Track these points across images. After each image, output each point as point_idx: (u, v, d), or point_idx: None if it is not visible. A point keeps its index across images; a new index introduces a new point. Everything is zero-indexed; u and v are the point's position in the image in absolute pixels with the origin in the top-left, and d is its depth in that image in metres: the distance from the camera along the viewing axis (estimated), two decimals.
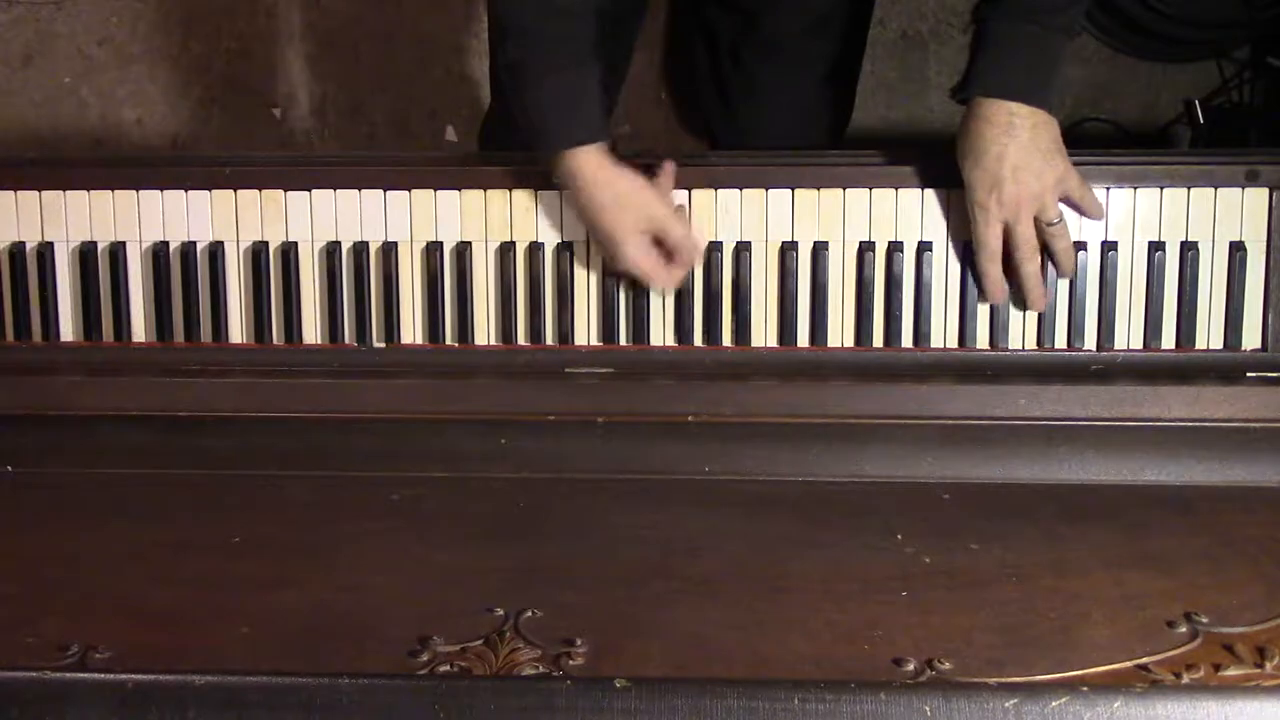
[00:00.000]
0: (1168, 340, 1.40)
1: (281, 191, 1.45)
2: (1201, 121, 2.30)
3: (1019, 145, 1.32)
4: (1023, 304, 1.39)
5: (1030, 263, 1.36)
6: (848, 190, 1.42)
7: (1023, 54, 1.32)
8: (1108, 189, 1.40)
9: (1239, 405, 1.32)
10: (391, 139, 2.58)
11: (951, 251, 1.41)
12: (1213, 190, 1.39)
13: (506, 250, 1.44)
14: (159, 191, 1.46)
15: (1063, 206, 1.36)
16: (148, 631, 1.03)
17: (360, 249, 1.45)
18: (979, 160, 1.33)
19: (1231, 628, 1.01)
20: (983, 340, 1.41)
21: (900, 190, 1.41)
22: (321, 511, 1.27)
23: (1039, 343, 1.41)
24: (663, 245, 1.38)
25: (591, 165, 1.35)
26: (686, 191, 1.42)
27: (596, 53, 1.37)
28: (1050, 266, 1.38)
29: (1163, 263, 1.39)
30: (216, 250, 1.45)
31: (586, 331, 1.44)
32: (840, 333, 1.42)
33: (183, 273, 1.45)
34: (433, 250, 1.44)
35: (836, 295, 1.42)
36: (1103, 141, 2.47)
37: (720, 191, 1.42)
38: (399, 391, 1.38)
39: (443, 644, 0.99)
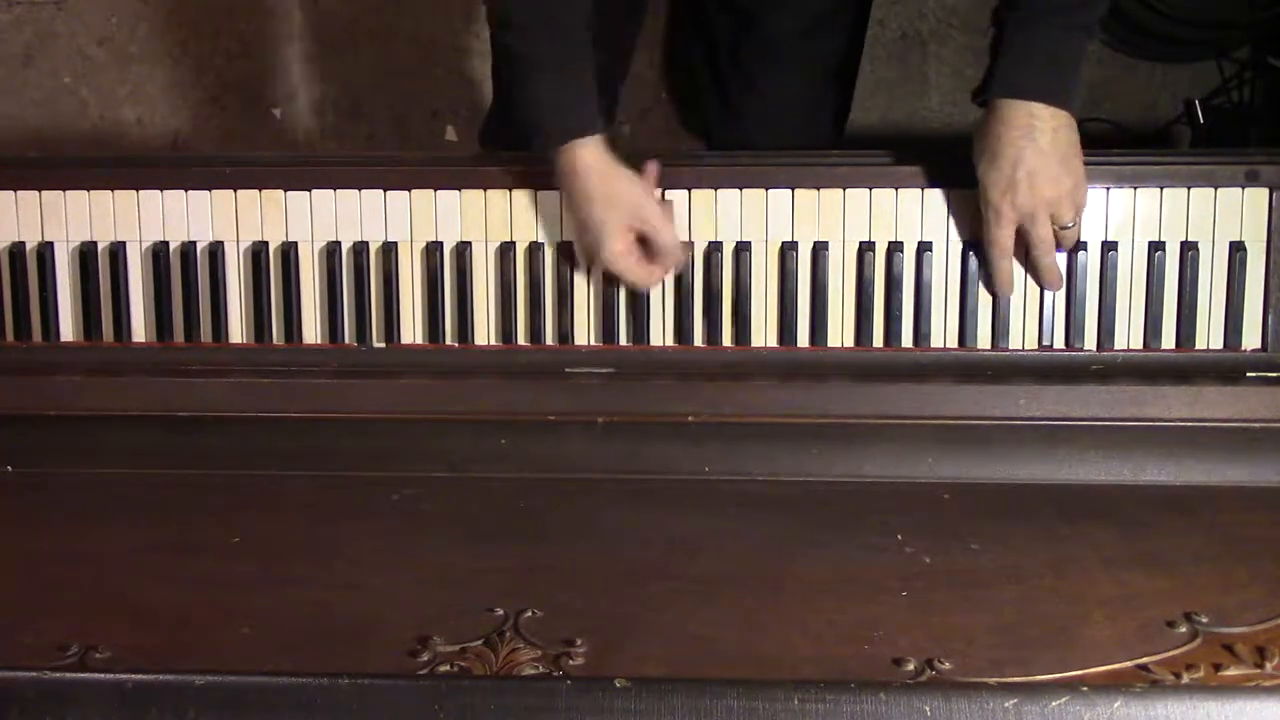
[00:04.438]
0: (1168, 340, 1.40)
1: (281, 191, 1.45)
2: (1201, 121, 2.30)
3: (1037, 150, 1.30)
4: (1040, 285, 1.39)
5: (1046, 257, 1.36)
6: (848, 190, 1.42)
7: (1043, 54, 1.31)
8: (1108, 189, 1.40)
9: (1239, 405, 1.32)
10: (391, 139, 2.57)
11: (951, 251, 1.41)
12: (1213, 190, 1.39)
13: (506, 250, 1.44)
14: (159, 191, 1.46)
15: None
16: (148, 631, 1.03)
17: (360, 249, 1.45)
18: (994, 161, 1.32)
19: (1231, 628, 1.01)
20: (983, 340, 1.41)
21: (900, 190, 1.41)
22: (321, 511, 1.27)
23: (1039, 343, 1.41)
24: (646, 244, 1.38)
25: (586, 158, 1.35)
26: (686, 191, 1.42)
27: (592, 45, 1.37)
28: None
29: (1163, 263, 1.39)
30: (216, 250, 1.45)
31: (586, 331, 1.44)
32: (840, 333, 1.42)
33: (183, 273, 1.45)
34: (433, 250, 1.44)
35: (836, 295, 1.42)
36: (1103, 141, 2.46)
37: (720, 191, 1.42)
38: (399, 391, 1.38)
39: (443, 644, 0.99)
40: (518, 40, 1.38)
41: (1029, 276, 1.39)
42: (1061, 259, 1.39)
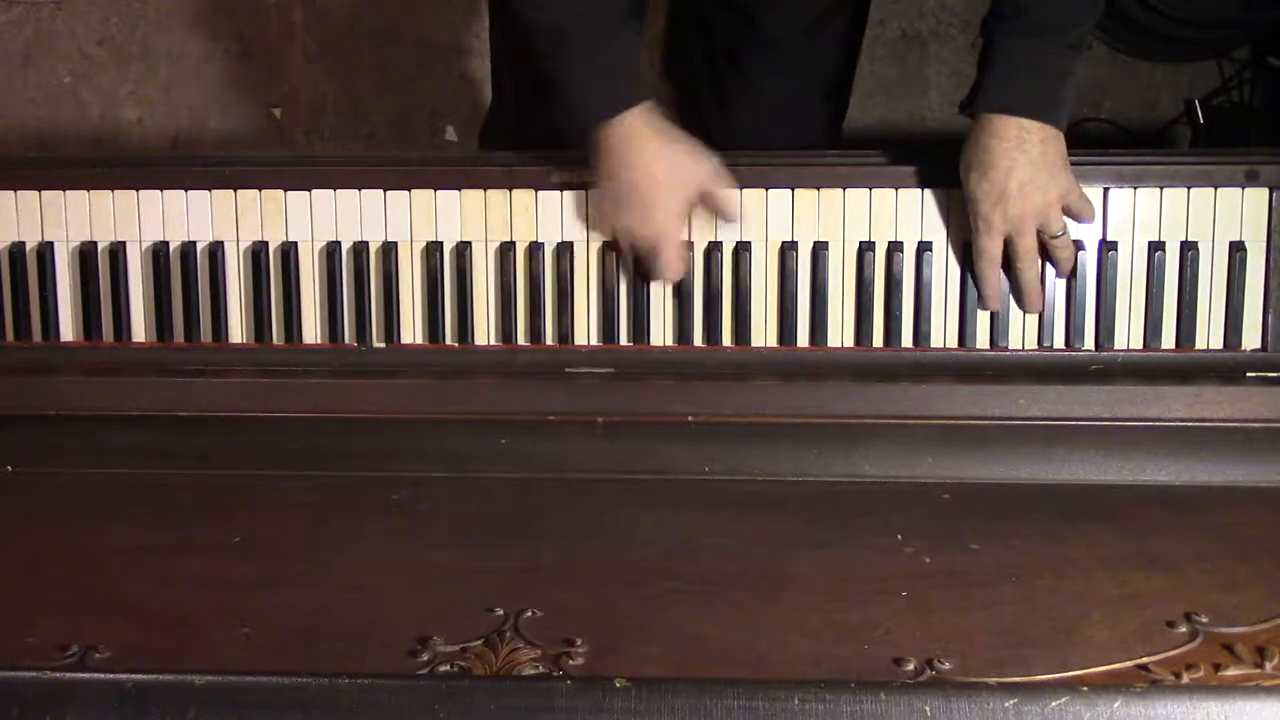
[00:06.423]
0: (1168, 340, 1.40)
1: (281, 191, 1.45)
2: (1201, 121, 2.30)
3: (1028, 161, 1.31)
4: (1020, 304, 1.39)
5: (1030, 270, 1.36)
6: (848, 190, 1.42)
7: (1031, 70, 1.31)
8: (1107, 189, 1.40)
9: (1239, 405, 1.32)
10: (391, 139, 2.57)
11: (951, 251, 1.41)
12: (1213, 190, 1.39)
13: (506, 250, 1.44)
14: (159, 191, 1.46)
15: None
16: (148, 631, 1.03)
17: (360, 249, 1.45)
18: (986, 174, 1.32)
19: (1231, 628, 1.01)
20: (983, 340, 1.41)
21: (900, 190, 1.41)
22: (321, 511, 1.27)
23: (1039, 343, 1.41)
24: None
25: (641, 126, 1.33)
26: None
27: (633, 11, 1.36)
28: (1048, 265, 1.39)
29: (1163, 263, 1.39)
30: (216, 250, 1.45)
31: (586, 331, 1.44)
32: (840, 333, 1.42)
33: (183, 273, 1.45)
34: (433, 250, 1.44)
35: (836, 295, 1.42)
36: (1103, 141, 2.47)
37: None
38: (399, 391, 1.38)
39: (443, 644, 0.99)
40: (557, 15, 1.36)
41: (1012, 296, 1.39)
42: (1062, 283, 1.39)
